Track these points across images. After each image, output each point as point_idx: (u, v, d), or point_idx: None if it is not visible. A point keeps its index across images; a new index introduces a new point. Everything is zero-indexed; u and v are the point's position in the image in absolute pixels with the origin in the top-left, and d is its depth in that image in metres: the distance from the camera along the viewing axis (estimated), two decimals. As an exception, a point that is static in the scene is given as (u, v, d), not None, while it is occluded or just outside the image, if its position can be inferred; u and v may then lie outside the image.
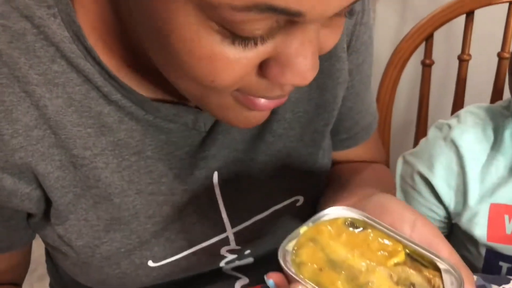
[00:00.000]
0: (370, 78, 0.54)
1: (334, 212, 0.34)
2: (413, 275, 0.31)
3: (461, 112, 0.63)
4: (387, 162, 0.87)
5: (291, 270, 0.31)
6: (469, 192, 0.58)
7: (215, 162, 0.46)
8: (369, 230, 0.33)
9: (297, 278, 0.30)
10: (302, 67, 0.31)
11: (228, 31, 0.29)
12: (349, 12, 0.33)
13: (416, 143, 0.86)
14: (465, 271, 0.32)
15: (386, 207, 0.35)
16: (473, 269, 0.52)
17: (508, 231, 0.58)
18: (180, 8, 0.28)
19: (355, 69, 0.51)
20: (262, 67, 0.32)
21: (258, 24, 0.28)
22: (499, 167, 0.58)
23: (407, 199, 0.64)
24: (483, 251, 0.60)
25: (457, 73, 0.82)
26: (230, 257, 0.53)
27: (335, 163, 0.59)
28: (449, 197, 0.60)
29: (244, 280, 0.54)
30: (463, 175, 0.59)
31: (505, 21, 0.77)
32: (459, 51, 0.81)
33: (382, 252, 0.32)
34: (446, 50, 0.96)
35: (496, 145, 0.59)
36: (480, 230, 0.58)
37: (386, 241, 0.32)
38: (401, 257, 0.32)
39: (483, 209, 0.58)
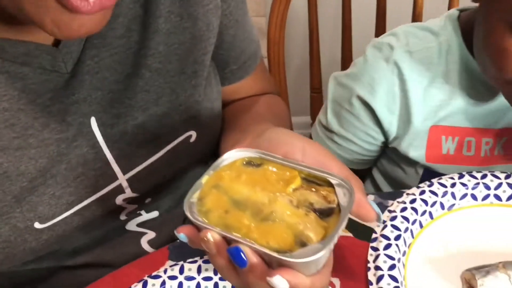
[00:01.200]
0: (246, 3, 0.53)
1: (231, 156, 0.35)
2: (311, 196, 0.33)
3: (399, 31, 0.59)
4: (285, 97, 0.86)
5: (197, 219, 0.31)
6: (412, 116, 0.56)
7: (89, 106, 0.43)
8: (266, 165, 0.35)
9: (205, 226, 0.31)
10: None
11: None
12: None
13: (312, 77, 0.86)
14: (354, 181, 0.34)
15: (276, 140, 0.36)
16: (408, 188, 0.51)
17: (444, 151, 0.59)
18: None
19: None
20: None
21: None
22: (440, 89, 0.56)
23: (341, 122, 0.60)
24: (420, 171, 0.61)
25: (341, 3, 0.81)
26: (130, 207, 0.49)
27: (227, 103, 0.57)
28: (389, 122, 0.58)
29: (151, 235, 0.51)
30: (406, 99, 0.56)
31: None
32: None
33: (280, 182, 0.34)
34: None
35: (437, 66, 0.56)
36: (419, 151, 0.58)
37: (282, 171, 0.34)
38: (297, 182, 0.33)
39: (423, 131, 0.57)
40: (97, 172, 0.45)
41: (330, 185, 0.33)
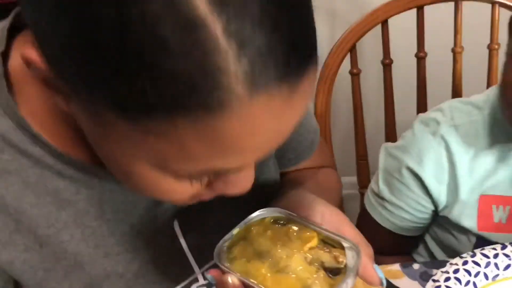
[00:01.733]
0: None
1: (261, 213, 0.41)
2: (324, 255, 0.38)
3: (444, 106, 0.64)
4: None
5: (223, 264, 0.37)
6: (460, 186, 0.60)
7: (173, 211, 0.49)
8: (290, 224, 0.40)
9: (227, 270, 0.37)
10: (244, 183, 0.36)
11: (179, 177, 0.33)
12: None
13: (358, 145, 0.91)
14: (365, 247, 0.39)
15: (301, 203, 0.43)
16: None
17: (496, 220, 0.61)
18: (140, 163, 0.32)
19: None
20: (213, 185, 0.36)
21: (204, 174, 0.34)
22: (486, 160, 0.60)
23: (392, 191, 0.64)
24: (473, 240, 0.62)
25: (383, 77, 0.88)
26: None
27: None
28: (439, 191, 0.61)
29: None
30: (453, 170, 0.60)
31: (416, 25, 0.85)
32: (381, 57, 0.87)
33: (299, 240, 0.39)
34: (371, 57, 1.03)
35: (482, 138, 0.60)
36: (471, 221, 0.61)
37: (303, 231, 0.40)
38: (314, 242, 0.39)
39: (473, 201, 0.60)
40: (178, 269, 0.50)
41: (342, 247, 0.38)
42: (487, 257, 0.50)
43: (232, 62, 0.26)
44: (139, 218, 0.47)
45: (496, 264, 0.50)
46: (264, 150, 0.32)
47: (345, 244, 0.38)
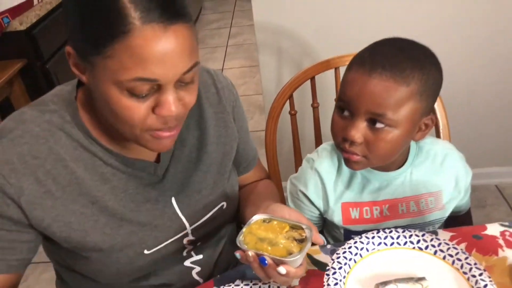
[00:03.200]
0: (248, 131, 0.93)
1: (255, 218, 0.72)
2: (293, 234, 0.69)
3: (319, 148, 0.92)
4: (278, 181, 1.21)
5: (244, 246, 0.68)
6: (329, 198, 0.88)
7: (170, 192, 0.80)
8: (272, 221, 0.71)
9: (246, 250, 0.67)
10: (168, 105, 0.61)
11: (132, 93, 0.59)
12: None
13: (296, 165, 1.23)
14: (313, 227, 0.70)
15: (276, 209, 0.73)
16: (338, 241, 0.87)
17: (352, 217, 0.89)
18: (110, 87, 0.59)
19: (239, 128, 0.89)
20: (153, 110, 0.62)
21: (143, 88, 0.59)
22: (343, 180, 0.88)
23: (296, 206, 0.92)
24: (342, 231, 0.92)
25: (312, 116, 1.20)
26: (189, 247, 0.87)
27: (240, 187, 0.96)
28: (319, 203, 0.90)
29: (197, 269, 0.90)
30: (324, 189, 0.88)
31: (334, 79, 1.18)
32: (310, 101, 1.19)
33: (279, 228, 0.69)
34: (303, 101, 1.35)
35: (339, 166, 0.88)
36: (337, 218, 0.89)
37: (280, 224, 0.70)
38: (287, 228, 0.70)
39: (338, 207, 0.88)
40: (176, 226, 0.81)
41: (302, 228, 0.70)
42: (367, 238, 0.83)
43: (132, 9, 0.55)
44: (150, 193, 0.77)
45: (373, 242, 0.82)
46: (168, 67, 0.57)
47: (303, 226, 0.70)
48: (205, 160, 0.82)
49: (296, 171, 1.20)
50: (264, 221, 0.71)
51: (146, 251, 0.77)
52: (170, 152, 0.79)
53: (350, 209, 0.89)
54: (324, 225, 0.99)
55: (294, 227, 0.70)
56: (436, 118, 1.09)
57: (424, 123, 0.80)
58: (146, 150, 0.72)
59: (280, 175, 1.22)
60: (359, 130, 0.75)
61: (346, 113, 0.77)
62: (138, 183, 0.75)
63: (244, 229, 0.70)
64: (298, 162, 1.21)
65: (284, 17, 1.56)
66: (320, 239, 0.72)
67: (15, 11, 1.79)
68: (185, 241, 0.83)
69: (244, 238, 0.69)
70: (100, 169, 0.72)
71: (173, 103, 0.61)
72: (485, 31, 1.59)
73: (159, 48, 0.56)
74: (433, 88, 0.76)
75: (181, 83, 0.62)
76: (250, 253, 0.66)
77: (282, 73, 1.68)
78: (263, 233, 0.69)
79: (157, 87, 0.60)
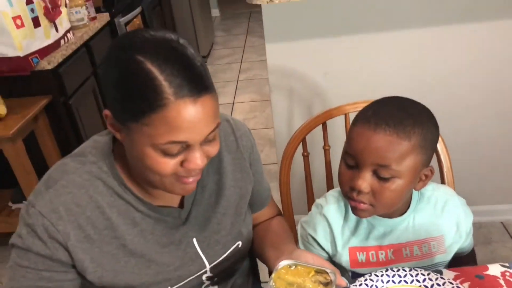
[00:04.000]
0: (263, 173, 1.00)
1: (282, 264, 0.77)
2: (319, 278, 0.75)
3: (327, 194, 0.97)
4: (291, 217, 1.27)
5: None
6: (337, 243, 0.93)
7: (192, 233, 0.87)
8: (298, 267, 0.76)
9: None
10: (194, 160, 0.71)
11: (165, 153, 0.69)
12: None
13: (308, 202, 1.29)
14: (336, 270, 0.76)
15: (300, 255, 0.80)
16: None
17: (359, 261, 0.94)
18: (145, 148, 0.69)
19: (254, 172, 0.97)
20: (182, 163, 0.71)
21: (174, 148, 0.68)
22: (349, 225, 0.93)
23: (306, 248, 0.98)
24: (350, 273, 0.95)
25: (324, 157, 1.28)
26: (207, 283, 0.92)
27: (255, 224, 1.03)
28: (327, 247, 0.95)
29: None
30: (332, 234, 0.93)
31: (344, 124, 1.26)
32: (322, 144, 1.27)
33: (305, 273, 0.75)
34: (316, 144, 1.43)
35: (346, 213, 0.93)
36: (346, 262, 0.94)
37: (306, 268, 0.76)
38: (312, 272, 0.76)
39: (345, 251, 0.93)
40: (197, 265, 0.87)
41: (326, 272, 0.75)
42: (377, 276, 0.89)
43: (167, 86, 0.64)
44: (174, 236, 0.84)
45: (382, 280, 0.89)
46: (197, 132, 0.67)
47: (327, 270, 0.75)
48: (223, 203, 0.90)
49: (308, 207, 1.29)
50: (290, 266, 0.77)
51: None
52: (192, 196, 0.87)
53: (357, 253, 0.94)
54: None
55: (319, 271, 0.76)
56: (440, 161, 1.16)
57: (424, 174, 0.87)
58: (171, 197, 0.82)
59: (294, 215, 1.28)
60: (366, 180, 0.82)
61: (352, 164, 0.84)
62: (163, 227, 0.83)
63: (273, 275, 0.75)
64: (310, 199, 1.28)
65: (296, 60, 1.67)
66: (343, 281, 0.79)
67: (43, 52, 1.92)
68: (204, 277, 0.91)
69: (275, 283, 0.74)
70: (131, 214, 0.81)
71: (199, 158, 0.71)
72: (492, 73, 1.68)
73: (190, 117, 0.66)
74: (432, 141, 0.83)
75: (206, 141, 0.72)
76: None
77: (293, 111, 1.77)
78: (291, 278, 0.75)
79: (186, 146, 0.70)
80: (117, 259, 0.79)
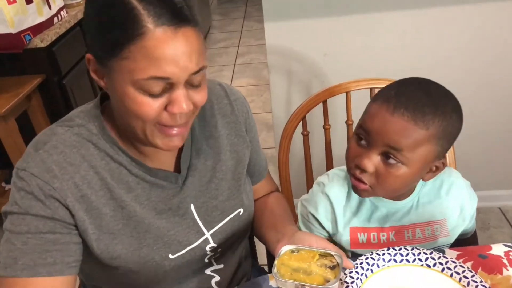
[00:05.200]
0: (259, 142, 0.97)
1: (284, 249, 0.74)
2: (325, 261, 0.72)
3: (330, 172, 0.95)
4: (290, 198, 1.26)
5: (281, 278, 0.69)
6: (338, 223, 0.91)
7: (189, 199, 0.84)
8: (301, 251, 0.73)
9: (287, 281, 0.69)
10: (179, 102, 0.67)
11: (147, 91, 0.65)
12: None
13: (308, 182, 1.28)
14: (341, 252, 0.74)
15: (302, 238, 0.76)
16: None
17: (360, 241, 0.92)
18: (126, 86, 0.65)
19: (251, 139, 0.94)
20: (166, 107, 0.67)
21: (156, 86, 0.64)
22: (351, 205, 0.91)
23: (306, 227, 0.95)
24: (349, 254, 0.94)
25: (324, 137, 1.26)
26: (210, 254, 0.87)
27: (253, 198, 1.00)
28: (328, 226, 0.92)
29: (217, 278, 0.94)
30: (333, 213, 0.91)
31: (345, 103, 1.23)
32: (322, 123, 1.25)
33: (309, 257, 0.72)
34: (316, 123, 1.40)
35: (349, 192, 0.91)
36: (346, 242, 0.92)
37: (309, 252, 0.72)
38: (317, 256, 0.73)
39: (346, 231, 0.91)
40: (194, 231, 0.84)
41: (331, 255, 0.72)
42: (378, 254, 0.87)
43: (145, 15, 0.62)
44: (171, 200, 0.81)
45: (383, 259, 0.87)
46: (179, 66, 0.63)
47: (332, 253, 0.72)
48: (220, 167, 0.87)
49: (308, 188, 1.27)
50: (292, 251, 0.73)
51: (170, 255, 0.81)
52: (187, 160, 0.84)
53: (358, 233, 0.93)
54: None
55: (323, 254, 0.73)
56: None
57: (436, 165, 0.84)
58: (165, 159, 0.78)
59: (292, 193, 1.26)
60: (372, 161, 0.79)
61: (363, 142, 0.81)
62: (160, 192, 0.80)
63: (276, 261, 0.72)
64: (309, 179, 1.26)
65: (295, 40, 1.63)
66: (351, 263, 0.77)
67: (36, 29, 1.87)
68: (207, 248, 0.87)
69: (279, 270, 0.70)
70: (125, 178, 0.77)
71: (183, 101, 0.67)
72: (491, 54, 1.65)
73: (170, 48, 0.63)
74: (452, 135, 0.79)
75: (190, 85, 0.68)
76: (291, 284, 0.68)
77: (292, 93, 1.74)
78: (296, 264, 0.71)
79: (169, 86, 0.66)
80: (115, 220, 0.76)
